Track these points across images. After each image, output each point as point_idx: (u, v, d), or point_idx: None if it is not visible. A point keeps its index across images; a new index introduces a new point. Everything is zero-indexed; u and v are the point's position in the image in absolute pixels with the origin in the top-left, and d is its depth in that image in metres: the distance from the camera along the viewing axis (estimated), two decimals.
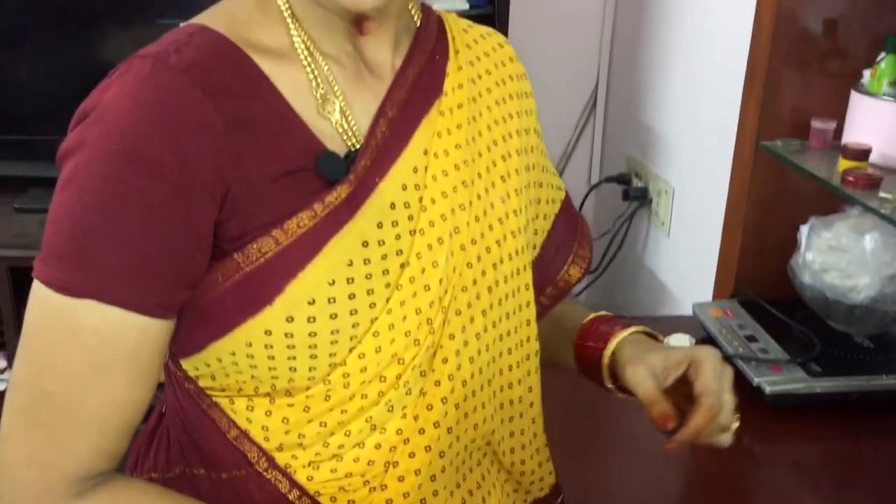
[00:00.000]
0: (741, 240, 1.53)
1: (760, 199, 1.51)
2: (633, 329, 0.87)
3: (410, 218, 0.72)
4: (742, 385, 1.27)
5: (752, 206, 1.51)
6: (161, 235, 0.63)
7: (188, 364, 0.73)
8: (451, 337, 0.74)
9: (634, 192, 2.01)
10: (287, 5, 0.71)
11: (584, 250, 0.93)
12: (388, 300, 0.70)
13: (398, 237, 0.71)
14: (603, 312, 0.93)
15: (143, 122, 0.62)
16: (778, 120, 1.47)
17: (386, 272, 0.70)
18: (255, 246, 0.66)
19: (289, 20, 0.71)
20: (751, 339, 1.36)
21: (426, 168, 0.73)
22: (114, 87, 0.64)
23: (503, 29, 1.89)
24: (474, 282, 0.76)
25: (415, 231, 0.72)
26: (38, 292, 0.64)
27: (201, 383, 0.74)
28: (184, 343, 0.71)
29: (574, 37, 2.22)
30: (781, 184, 1.49)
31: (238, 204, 0.66)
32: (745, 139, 1.50)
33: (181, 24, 0.70)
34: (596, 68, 2.24)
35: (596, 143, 2.29)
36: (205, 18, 0.70)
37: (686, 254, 1.85)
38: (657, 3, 1.94)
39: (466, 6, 1.89)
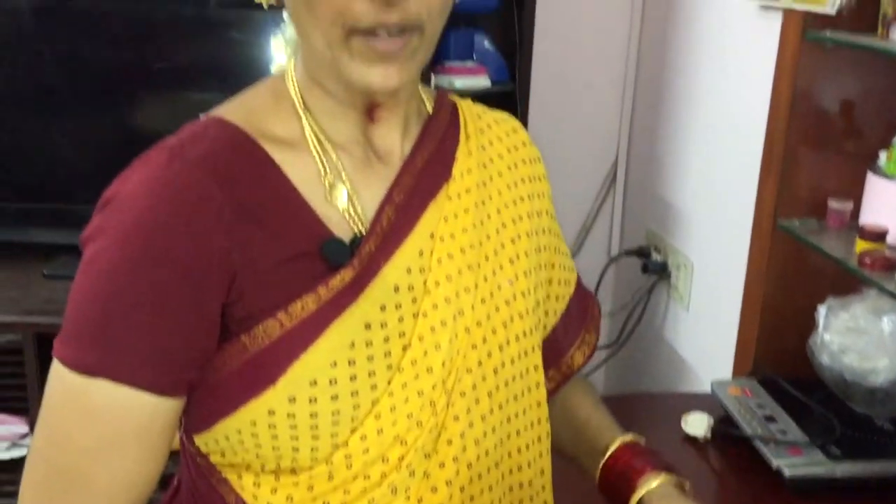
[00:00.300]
0: (760, 318, 1.52)
1: (779, 277, 1.51)
2: (662, 479, 0.84)
3: (414, 300, 0.73)
4: (761, 467, 1.25)
5: (771, 284, 1.51)
6: (171, 318, 0.66)
7: (200, 440, 0.74)
8: (456, 418, 0.74)
9: (653, 266, 2.01)
10: (300, 97, 0.74)
11: (590, 336, 0.94)
12: (389, 382, 0.71)
13: (401, 319, 0.72)
14: (629, 438, 0.89)
15: (156, 213, 0.66)
16: (795, 198, 1.48)
17: (388, 354, 0.71)
18: (261, 328, 0.68)
19: (301, 111, 0.74)
20: (770, 419, 1.34)
21: (432, 251, 0.75)
22: (133, 177, 0.68)
23: (524, 104, 1.93)
24: (479, 363, 0.76)
25: (417, 314, 0.73)
26: (56, 370, 0.68)
27: (212, 459, 0.75)
28: (195, 420, 0.73)
29: (595, 111, 2.25)
30: (800, 262, 1.49)
31: (245, 288, 0.68)
32: (763, 217, 1.50)
33: (201, 116, 0.73)
34: (616, 142, 2.27)
35: (616, 215, 2.31)
36: (223, 110, 0.74)
37: (705, 329, 1.84)
38: (676, 78, 1.97)
39: (489, 83, 1.92)
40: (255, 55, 1.82)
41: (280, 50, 0.79)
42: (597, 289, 2.20)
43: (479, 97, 2.01)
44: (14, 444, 1.79)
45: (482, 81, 1.91)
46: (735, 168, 1.67)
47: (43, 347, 1.73)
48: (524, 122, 1.93)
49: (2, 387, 1.77)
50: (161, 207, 0.66)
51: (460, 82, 1.89)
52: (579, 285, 0.95)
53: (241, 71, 1.85)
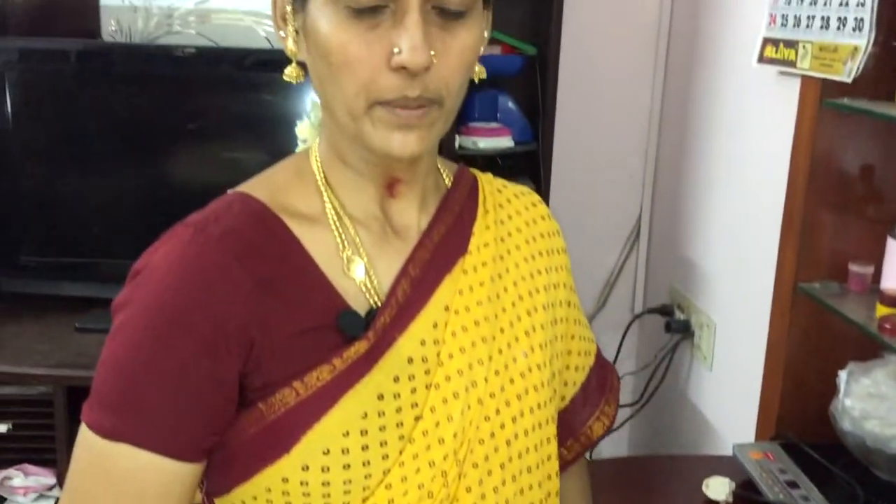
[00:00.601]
0: (783, 381, 1.52)
1: (801, 339, 1.50)
2: None
3: (427, 372, 0.75)
4: None
5: (793, 347, 1.50)
6: (192, 388, 0.69)
7: (220, 503, 0.76)
8: (468, 490, 0.75)
9: (677, 325, 2.01)
10: (322, 173, 0.78)
11: (610, 407, 0.94)
12: (400, 452, 0.72)
13: (414, 391, 0.74)
14: None
15: (179, 286, 0.69)
16: (816, 262, 1.48)
17: (400, 425, 0.73)
18: (277, 396, 0.71)
19: (322, 186, 0.77)
20: (792, 485, 1.33)
21: (446, 324, 0.76)
22: (160, 250, 0.72)
23: (547, 163, 1.96)
24: (492, 435, 0.77)
25: (430, 385, 0.74)
26: (83, 434, 0.71)
27: None
28: (215, 484, 0.75)
29: (618, 170, 2.28)
30: (822, 325, 1.49)
31: (262, 358, 0.70)
32: (784, 280, 1.51)
33: (228, 191, 0.77)
34: (639, 199, 2.29)
35: (639, 273, 2.32)
36: (248, 186, 0.77)
37: (729, 389, 1.84)
38: (697, 140, 1.99)
39: (512, 144, 1.96)
40: (285, 115, 1.87)
41: (305, 132, 0.82)
42: (620, 346, 2.20)
43: (503, 157, 2.06)
44: (41, 496, 1.82)
45: (505, 142, 1.95)
46: (756, 230, 1.68)
47: (73, 400, 1.76)
48: (547, 181, 1.96)
49: (31, 438, 1.80)
50: (183, 282, 0.69)
51: (484, 143, 1.92)
52: (599, 356, 0.96)
53: (272, 130, 1.90)
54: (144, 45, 2.05)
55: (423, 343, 0.75)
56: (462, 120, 1.98)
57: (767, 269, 1.57)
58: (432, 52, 0.68)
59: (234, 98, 1.95)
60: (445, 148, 1.81)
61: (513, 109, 2.03)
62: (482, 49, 0.76)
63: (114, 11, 2.06)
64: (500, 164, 2.07)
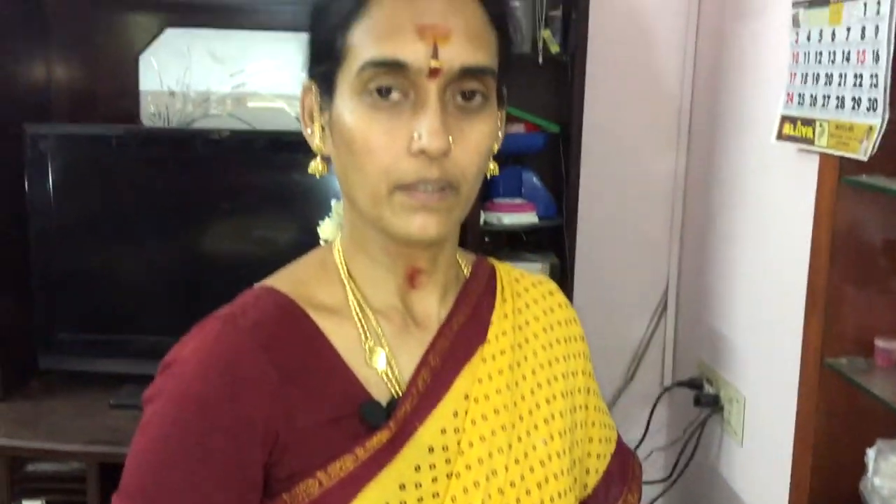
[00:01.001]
0: (812, 458, 1.50)
1: (830, 415, 1.49)
2: None
3: (448, 461, 0.76)
4: None
5: (822, 424, 1.49)
6: (218, 480, 0.71)
7: None
8: None
9: (706, 399, 2.00)
10: (344, 266, 0.81)
11: (633, 496, 0.95)
12: None
13: (435, 480, 0.75)
14: None
15: (207, 379, 0.72)
16: (842, 337, 1.47)
17: None
18: (301, 486, 0.73)
19: (345, 279, 0.80)
20: None
21: (466, 412, 0.78)
22: (190, 344, 0.75)
23: (572, 238, 1.98)
24: None
25: (451, 474, 0.76)
26: None
27: None
28: None
29: (643, 242, 2.29)
30: (850, 400, 1.48)
31: (287, 449, 0.73)
32: (810, 356, 1.50)
33: (255, 285, 0.80)
34: (665, 272, 2.30)
35: (668, 346, 2.31)
36: (274, 280, 0.81)
37: (760, 465, 1.81)
38: (722, 214, 2.01)
39: (536, 219, 1.99)
40: (316, 195, 1.92)
41: (327, 231, 0.86)
42: (649, 420, 2.18)
43: (528, 232, 2.09)
44: None
45: (530, 217, 1.98)
46: (782, 304, 1.68)
47: (106, 476, 1.78)
48: (572, 256, 1.98)
49: None
50: (211, 375, 0.72)
51: (508, 218, 1.96)
52: (620, 444, 0.97)
53: (302, 209, 1.95)
54: (181, 129, 2.12)
55: (443, 432, 0.77)
56: (487, 196, 2.02)
57: (794, 343, 1.56)
58: (450, 138, 0.71)
59: (267, 178, 2.00)
60: (470, 224, 1.85)
61: (537, 185, 2.06)
62: (496, 147, 0.79)
63: (153, 96, 2.15)
64: (524, 240, 2.11)
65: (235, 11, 2.12)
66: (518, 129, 2.04)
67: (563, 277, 2.00)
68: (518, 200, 2.01)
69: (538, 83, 2.12)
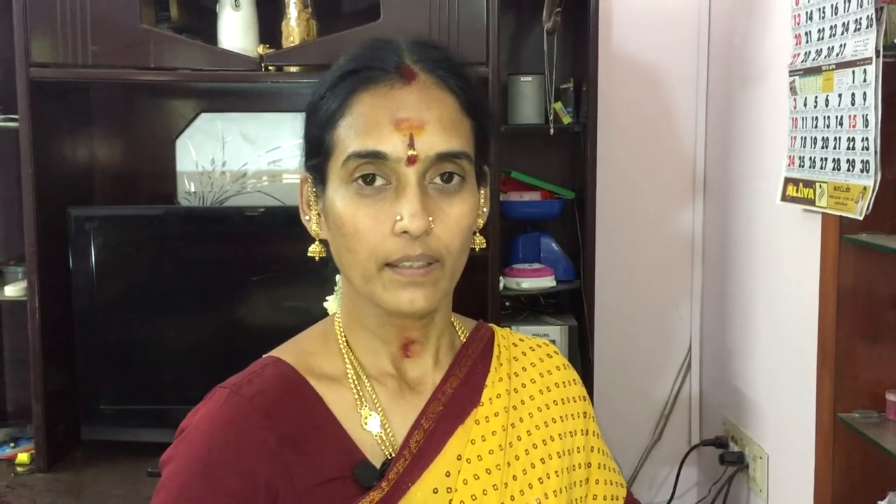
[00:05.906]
0: None
1: (845, 469, 1.51)
2: None
3: None
4: None
5: (838, 478, 1.51)
6: None
7: None
8: None
9: (730, 457, 2.01)
10: (343, 336, 0.88)
11: None
12: None
13: None
14: None
15: (213, 444, 0.79)
16: (854, 391, 1.50)
17: None
18: None
19: (343, 349, 0.88)
20: None
21: (458, 472, 0.83)
22: (201, 411, 0.83)
23: (590, 300, 2.03)
24: None
25: None
26: None
27: None
28: None
29: (662, 301, 2.34)
30: (865, 454, 1.49)
31: None
32: (824, 411, 1.53)
33: (264, 355, 0.88)
34: (688, 331, 2.33)
35: (693, 405, 2.33)
36: (281, 350, 0.89)
37: None
38: (736, 269, 2.05)
39: (553, 283, 2.05)
40: None
41: (333, 305, 0.94)
42: (677, 478, 2.20)
43: (547, 296, 2.14)
44: None
45: (548, 282, 2.04)
46: (796, 361, 1.71)
47: None
48: (591, 317, 2.03)
49: None
50: (216, 440, 0.79)
51: (527, 283, 2.02)
52: (629, 499, 0.99)
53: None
54: (216, 207, 2.24)
55: (435, 491, 0.81)
56: (506, 262, 2.09)
57: (810, 399, 1.59)
58: (430, 219, 0.78)
59: (297, 250, 2.08)
60: (490, 289, 1.91)
61: (555, 250, 2.13)
62: (481, 223, 0.86)
63: (189, 176, 2.27)
64: (542, 303, 2.16)
65: (263, 97, 2.25)
66: (534, 196, 2.11)
67: (583, 339, 2.04)
68: (536, 265, 2.08)
69: (552, 152, 2.20)
